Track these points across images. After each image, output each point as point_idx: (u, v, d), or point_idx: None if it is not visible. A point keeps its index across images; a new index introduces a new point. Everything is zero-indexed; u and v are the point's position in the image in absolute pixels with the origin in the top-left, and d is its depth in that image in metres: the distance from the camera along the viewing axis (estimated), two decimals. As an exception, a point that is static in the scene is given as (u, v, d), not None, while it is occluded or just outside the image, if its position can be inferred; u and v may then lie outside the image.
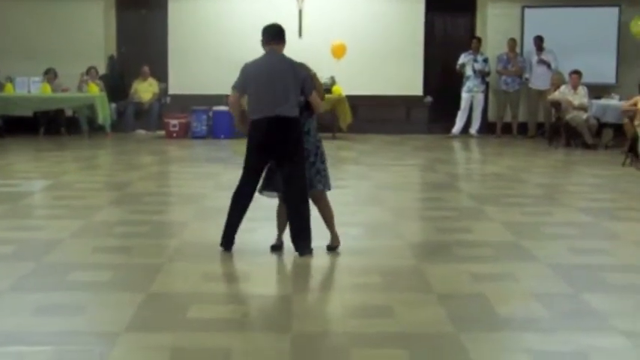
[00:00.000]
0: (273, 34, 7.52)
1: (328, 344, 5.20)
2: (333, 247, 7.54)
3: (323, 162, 7.57)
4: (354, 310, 5.90)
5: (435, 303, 6.03)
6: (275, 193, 7.56)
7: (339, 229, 7.78)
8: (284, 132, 7.31)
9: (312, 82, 7.49)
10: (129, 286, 6.49)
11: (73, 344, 5.15)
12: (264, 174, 7.51)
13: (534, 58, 18.26)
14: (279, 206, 7.59)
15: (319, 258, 7.37)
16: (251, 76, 7.40)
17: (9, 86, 17.50)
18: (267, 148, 7.36)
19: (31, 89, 17.60)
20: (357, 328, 5.51)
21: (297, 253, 7.36)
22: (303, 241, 7.38)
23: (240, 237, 7.88)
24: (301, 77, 7.39)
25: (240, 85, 7.43)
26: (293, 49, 17.79)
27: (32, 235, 8.19)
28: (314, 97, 7.43)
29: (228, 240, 7.49)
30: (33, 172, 12.89)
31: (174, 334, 5.35)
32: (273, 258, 7.37)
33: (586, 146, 15.95)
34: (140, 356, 5.01)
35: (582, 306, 6.04)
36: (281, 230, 7.59)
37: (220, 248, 7.45)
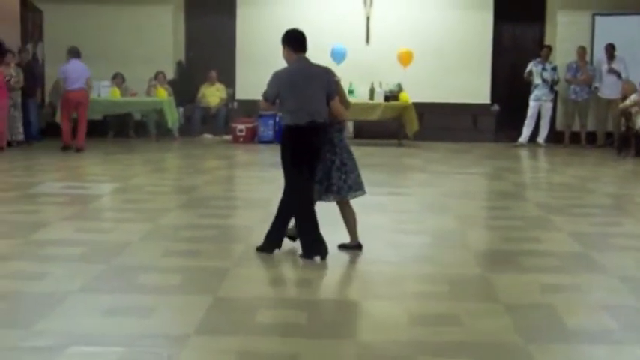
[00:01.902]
0: (302, 42, 7.62)
1: (394, 352, 5.18)
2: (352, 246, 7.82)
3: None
4: (420, 318, 5.88)
5: (502, 313, 5.99)
6: (332, 197, 7.71)
7: (404, 237, 7.82)
8: (320, 137, 7.50)
9: (337, 87, 7.66)
10: (197, 289, 6.56)
11: (143, 346, 5.20)
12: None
13: (604, 67, 18.04)
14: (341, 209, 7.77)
15: (384, 265, 7.37)
16: (286, 84, 7.46)
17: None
18: (307, 153, 7.46)
19: (101, 93, 17.83)
20: (423, 336, 5.50)
21: (353, 258, 7.53)
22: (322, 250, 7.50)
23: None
24: (329, 82, 7.57)
25: (273, 95, 7.52)
26: (360, 56, 17.96)
27: (102, 237, 8.31)
28: (336, 103, 7.56)
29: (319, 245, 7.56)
30: (102, 175, 13.08)
31: (242, 338, 5.38)
32: (338, 263, 7.39)
33: (656, 157, 15.74)
34: (209, 359, 5.04)
35: (653, 319, 5.97)
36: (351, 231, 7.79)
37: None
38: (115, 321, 5.68)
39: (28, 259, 7.40)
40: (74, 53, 16.21)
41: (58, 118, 16.74)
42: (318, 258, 7.42)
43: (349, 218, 7.81)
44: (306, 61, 7.62)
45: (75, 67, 16.09)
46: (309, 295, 6.42)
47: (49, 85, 18.61)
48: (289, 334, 5.47)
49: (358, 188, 7.79)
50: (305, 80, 7.48)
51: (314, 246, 7.44)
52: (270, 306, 6.07)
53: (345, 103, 7.77)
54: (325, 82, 7.53)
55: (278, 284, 6.71)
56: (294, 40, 7.61)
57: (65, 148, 15.93)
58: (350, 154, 7.73)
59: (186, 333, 5.42)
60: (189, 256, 7.60)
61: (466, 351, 5.20)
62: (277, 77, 7.52)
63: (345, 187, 7.66)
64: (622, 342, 5.43)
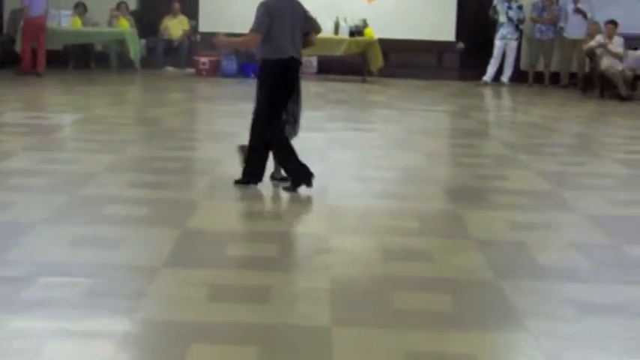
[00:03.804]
0: None
1: (369, 287, 5.14)
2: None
3: None
4: (393, 253, 5.82)
5: (474, 249, 5.96)
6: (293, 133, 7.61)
7: (372, 173, 7.82)
8: (297, 72, 7.41)
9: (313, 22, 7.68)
10: (165, 221, 6.45)
11: (112, 277, 5.12)
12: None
13: (570, 7, 17.94)
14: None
15: (354, 200, 7.32)
16: (274, 16, 7.21)
17: (39, 19, 17.39)
18: (288, 87, 7.33)
19: (61, 22, 17.48)
20: (395, 271, 5.46)
21: (322, 193, 7.40)
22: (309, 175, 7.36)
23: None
24: (307, 16, 7.49)
25: (266, 25, 7.18)
26: (325, -10, 17.65)
27: (65, 167, 8.17)
28: (313, 37, 7.57)
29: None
30: (64, 105, 12.85)
31: (213, 270, 5.31)
32: (307, 198, 7.29)
33: (620, 98, 15.68)
34: (179, 291, 4.95)
35: (623, 258, 5.96)
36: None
37: (250, 185, 7.37)
38: (82, 252, 5.57)
39: (-9, 188, 7.26)
40: None
41: (18, 47, 16.46)
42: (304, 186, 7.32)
43: None
44: None
45: None
46: (279, 228, 6.35)
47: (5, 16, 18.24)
48: (261, 268, 5.39)
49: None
50: (290, 14, 7.29)
51: (301, 174, 7.32)
52: (240, 239, 6.01)
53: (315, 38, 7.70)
54: (304, 16, 7.43)
55: (247, 217, 6.62)
56: None
57: (22, 74, 15.88)
58: None
59: (155, 265, 5.34)
60: (156, 187, 7.47)
61: (439, 286, 5.17)
62: (267, 7, 7.22)
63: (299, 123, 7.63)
64: (593, 280, 5.43)
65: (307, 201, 7.25)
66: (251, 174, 7.38)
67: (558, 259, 5.87)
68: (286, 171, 7.43)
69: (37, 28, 16.20)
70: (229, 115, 12.21)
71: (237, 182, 7.41)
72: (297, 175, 7.32)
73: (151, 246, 5.84)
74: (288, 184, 7.38)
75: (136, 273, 5.24)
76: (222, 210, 6.91)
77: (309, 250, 5.81)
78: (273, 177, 7.55)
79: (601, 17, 17.00)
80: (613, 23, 16.23)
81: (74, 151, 9.20)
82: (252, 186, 7.35)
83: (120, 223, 6.31)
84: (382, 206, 7.23)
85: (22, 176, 7.70)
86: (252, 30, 7.28)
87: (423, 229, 6.49)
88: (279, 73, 7.27)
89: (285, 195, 7.33)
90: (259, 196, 7.33)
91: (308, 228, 6.46)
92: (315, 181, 7.31)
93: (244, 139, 9.95)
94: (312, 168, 7.72)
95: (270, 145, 7.35)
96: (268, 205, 7.09)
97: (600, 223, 6.82)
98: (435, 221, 6.77)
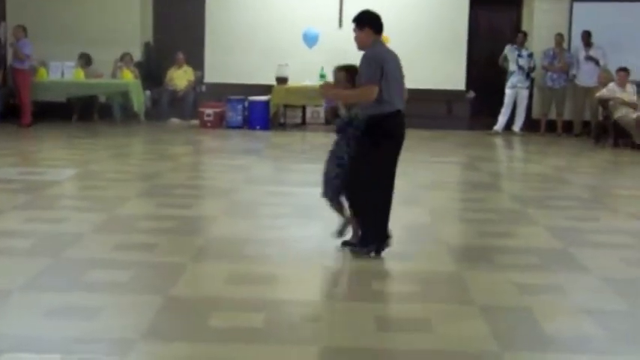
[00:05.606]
0: (382, 23, 7.13)
1: (358, 362, 4.76)
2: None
3: None
4: (387, 322, 5.44)
5: (478, 316, 5.55)
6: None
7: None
8: (405, 125, 7.13)
9: None
10: (149, 287, 6.07)
11: (83, 352, 4.74)
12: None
13: (582, 54, 17.67)
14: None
15: (351, 261, 6.92)
16: (388, 67, 6.90)
17: (42, 71, 17.24)
18: (400, 142, 7.08)
19: (64, 74, 17.32)
20: (389, 343, 5.07)
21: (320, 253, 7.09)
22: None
23: (269, 235, 7.53)
24: None
25: (379, 74, 6.83)
26: (333, 40, 17.42)
27: (52, 228, 7.79)
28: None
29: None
30: (61, 160, 12.49)
31: (192, 343, 4.93)
32: (303, 260, 6.93)
33: (635, 146, 15.30)
34: (153, 368, 4.60)
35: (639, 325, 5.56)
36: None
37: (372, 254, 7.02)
38: (55, 323, 5.20)
39: (-31, 252, 6.90)
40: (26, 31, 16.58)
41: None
42: (372, 253, 6.98)
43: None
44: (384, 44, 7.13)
45: None
46: (267, 295, 5.94)
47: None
48: (244, 340, 4.99)
49: None
50: (398, 65, 7.03)
51: (376, 240, 6.99)
52: (226, 308, 5.59)
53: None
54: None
55: (236, 283, 6.19)
56: (377, 21, 7.08)
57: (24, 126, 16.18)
58: None
59: (132, 338, 4.97)
60: (144, 250, 7.08)
61: (436, 360, 4.78)
62: (382, 57, 6.89)
63: None
64: (607, 351, 5.03)
65: (301, 263, 6.87)
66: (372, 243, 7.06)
67: (568, 326, 5.46)
68: (364, 230, 7.05)
69: (30, 78, 16.69)
70: (230, 170, 11.86)
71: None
72: (370, 239, 7.01)
73: (130, 316, 5.46)
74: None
75: (110, 347, 4.86)
76: (210, 274, 6.52)
77: (298, 319, 5.40)
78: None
79: (614, 64, 16.66)
80: (624, 70, 15.91)
81: (64, 210, 8.83)
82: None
83: (100, 290, 5.93)
84: (381, 268, 6.83)
85: (5, 237, 7.35)
86: (369, 81, 6.85)
87: (422, 293, 6.09)
88: (393, 123, 7.05)
89: (279, 257, 6.95)
90: (253, 259, 6.93)
91: (299, 294, 6.04)
92: (310, 241, 6.93)
93: (244, 194, 9.70)
94: (310, 226, 7.39)
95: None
96: (260, 268, 6.66)
97: (614, 285, 6.39)
98: (436, 284, 6.36)
